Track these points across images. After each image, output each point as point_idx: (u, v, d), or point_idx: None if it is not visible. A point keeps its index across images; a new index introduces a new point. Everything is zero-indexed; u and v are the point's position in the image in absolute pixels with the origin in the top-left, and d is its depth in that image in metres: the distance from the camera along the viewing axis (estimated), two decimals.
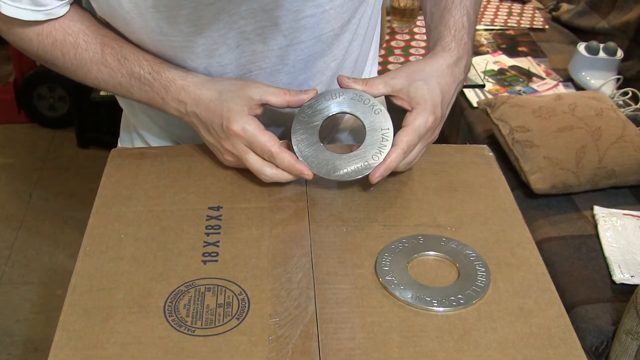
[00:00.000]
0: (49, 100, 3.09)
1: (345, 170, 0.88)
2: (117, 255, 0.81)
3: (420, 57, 2.17)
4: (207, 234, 0.84)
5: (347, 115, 0.91)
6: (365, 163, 0.87)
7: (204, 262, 0.80)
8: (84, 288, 0.76)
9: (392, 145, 0.87)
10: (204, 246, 0.82)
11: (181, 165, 0.95)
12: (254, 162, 0.88)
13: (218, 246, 0.82)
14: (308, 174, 0.87)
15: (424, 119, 0.87)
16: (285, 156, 0.86)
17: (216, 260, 0.80)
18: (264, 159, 0.87)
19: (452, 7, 0.96)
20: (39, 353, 2.09)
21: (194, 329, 0.71)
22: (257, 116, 0.88)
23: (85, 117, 2.95)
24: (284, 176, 0.88)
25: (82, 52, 0.92)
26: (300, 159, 0.88)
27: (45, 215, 2.65)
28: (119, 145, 1.16)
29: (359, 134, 1.11)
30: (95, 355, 0.69)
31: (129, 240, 0.83)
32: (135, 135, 1.11)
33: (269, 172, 0.88)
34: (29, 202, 2.72)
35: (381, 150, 0.87)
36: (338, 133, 1.13)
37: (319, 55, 0.95)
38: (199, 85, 0.89)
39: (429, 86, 0.88)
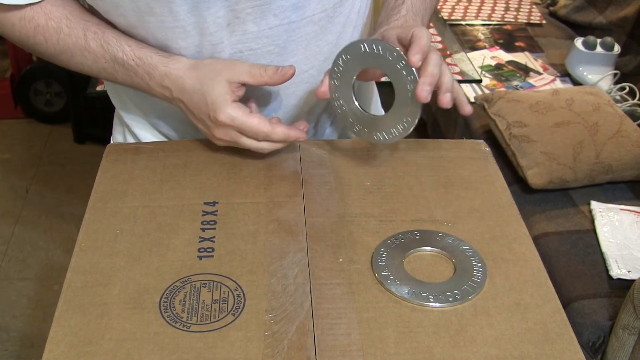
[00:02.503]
0: (46, 96, 3.08)
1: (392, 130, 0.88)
2: (113, 251, 0.80)
3: None
4: (203, 230, 0.83)
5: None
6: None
7: (200, 257, 0.79)
8: (79, 284, 0.76)
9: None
10: (199, 242, 0.82)
11: (177, 160, 0.95)
12: (249, 143, 0.90)
13: (214, 242, 0.82)
14: (303, 136, 0.90)
15: (425, 33, 0.84)
16: (279, 130, 0.89)
17: (212, 256, 0.80)
18: (259, 140, 0.90)
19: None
20: (36, 349, 2.09)
21: (189, 325, 0.71)
22: (241, 97, 0.89)
23: (82, 112, 2.94)
24: (280, 144, 0.91)
25: (64, 37, 0.91)
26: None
27: (41, 211, 2.64)
28: (112, 141, 1.16)
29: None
30: (90, 351, 0.69)
31: (124, 235, 0.83)
32: (127, 131, 1.10)
33: (267, 146, 0.91)
34: (26, 198, 2.71)
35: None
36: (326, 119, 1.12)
37: (312, 38, 0.95)
38: (182, 72, 0.90)
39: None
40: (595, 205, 1.72)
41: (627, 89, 2.13)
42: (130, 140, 1.10)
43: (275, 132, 0.88)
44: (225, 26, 0.89)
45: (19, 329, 2.16)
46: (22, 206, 2.67)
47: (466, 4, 2.78)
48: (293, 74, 0.89)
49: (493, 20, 2.68)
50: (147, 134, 1.08)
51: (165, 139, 1.09)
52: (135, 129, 1.08)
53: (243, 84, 0.89)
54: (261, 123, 0.88)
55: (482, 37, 2.55)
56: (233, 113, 0.87)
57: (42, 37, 0.92)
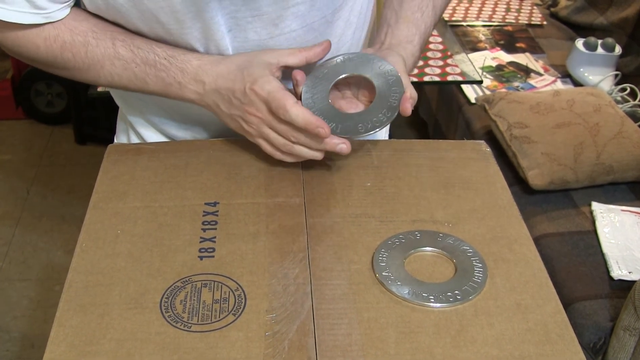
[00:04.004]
0: (47, 97, 3.08)
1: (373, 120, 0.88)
2: (114, 251, 0.80)
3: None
4: (204, 230, 0.83)
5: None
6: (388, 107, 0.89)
7: (201, 257, 0.80)
8: (80, 284, 0.76)
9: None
10: (200, 242, 0.82)
11: (178, 161, 0.95)
12: (277, 126, 0.87)
13: (214, 242, 0.82)
14: (325, 130, 0.85)
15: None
16: (300, 110, 0.85)
17: (212, 256, 0.80)
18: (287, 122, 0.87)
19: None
20: (36, 349, 2.09)
21: (190, 325, 0.71)
22: (279, 79, 0.89)
23: (83, 113, 2.95)
24: (309, 152, 0.88)
25: (93, 49, 0.91)
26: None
27: (42, 212, 2.64)
28: (115, 141, 1.16)
29: None
30: (91, 351, 0.69)
31: (125, 236, 0.83)
32: (131, 131, 1.10)
33: (299, 136, 0.87)
34: (27, 199, 2.71)
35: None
36: None
37: (311, 44, 0.95)
38: (216, 62, 0.90)
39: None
40: (596, 206, 1.72)
41: (628, 89, 2.14)
42: (134, 139, 1.10)
43: (296, 109, 0.84)
44: (227, 32, 0.90)
45: (20, 330, 2.16)
46: (22, 207, 2.67)
47: (467, 5, 2.78)
48: (329, 44, 0.92)
49: (494, 21, 2.68)
50: (152, 134, 1.08)
51: (169, 139, 1.09)
52: (139, 128, 1.08)
53: (282, 67, 0.89)
54: (287, 95, 0.85)
55: (483, 38, 2.55)
56: (266, 84, 0.86)
57: (69, 54, 0.92)
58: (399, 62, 0.91)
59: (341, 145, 0.87)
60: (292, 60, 0.90)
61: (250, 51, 0.92)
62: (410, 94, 0.88)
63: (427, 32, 0.98)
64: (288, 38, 0.92)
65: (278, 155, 0.90)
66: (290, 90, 0.89)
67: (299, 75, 0.90)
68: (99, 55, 0.91)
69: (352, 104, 0.92)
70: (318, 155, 0.89)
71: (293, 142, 0.88)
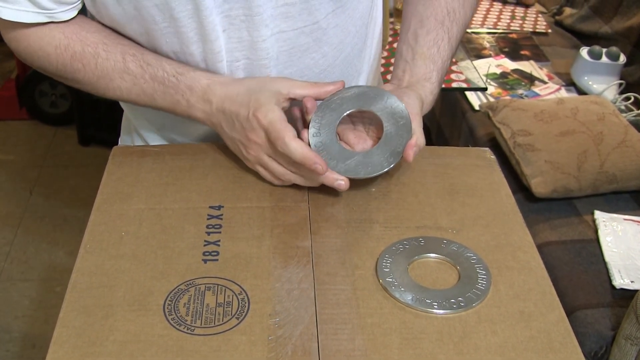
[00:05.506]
0: (51, 97, 3.09)
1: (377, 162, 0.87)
2: (118, 253, 0.81)
3: None
4: (208, 233, 0.83)
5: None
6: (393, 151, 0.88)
7: (205, 261, 0.80)
8: (84, 285, 0.76)
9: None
10: (204, 245, 0.82)
11: (183, 163, 0.95)
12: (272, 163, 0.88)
13: (219, 245, 0.82)
14: (321, 168, 0.84)
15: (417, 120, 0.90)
16: (298, 144, 0.84)
17: (217, 260, 0.80)
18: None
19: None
20: (37, 350, 2.09)
21: (193, 328, 0.71)
22: (284, 110, 0.88)
23: (87, 114, 2.95)
24: (306, 183, 0.89)
25: (103, 61, 0.92)
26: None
27: (45, 213, 2.65)
28: (120, 144, 1.16)
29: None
30: (94, 352, 0.69)
31: (129, 238, 0.83)
32: (136, 135, 1.11)
33: (297, 169, 0.87)
34: (29, 199, 2.72)
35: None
36: None
37: (305, 50, 0.95)
38: (226, 83, 0.90)
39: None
40: (598, 214, 1.72)
41: (632, 99, 2.14)
42: (138, 141, 1.10)
43: (294, 143, 0.84)
44: (222, 32, 0.90)
45: (21, 330, 2.16)
46: (25, 208, 2.67)
47: None
48: (343, 85, 0.91)
49: (499, 29, 2.68)
50: (155, 139, 1.08)
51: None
52: (144, 132, 1.08)
53: (291, 98, 0.89)
54: (287, 128, 0.85)
55: (487, 45, 2.55)
56: (270, 112, 0.85)
57: (79, 64, 0.92)
58: (415, 104, 0.91)
59: (340, 181, 0.86)
60: (302, 92, 0.89)
61: (247, 49, 0.92)
62: (417, 140, 0.87)
63: (444, 67, 0.97)
64: (278, 39, 0.92)
65: (276, 182, 0.90)
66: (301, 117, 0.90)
67: (309, 102, 0.89)
68: (108, 68, 0.92)
69: (360, 139, 0.91)
70: (315, 185, 0.89)
71: (292, 172, 0.88)
